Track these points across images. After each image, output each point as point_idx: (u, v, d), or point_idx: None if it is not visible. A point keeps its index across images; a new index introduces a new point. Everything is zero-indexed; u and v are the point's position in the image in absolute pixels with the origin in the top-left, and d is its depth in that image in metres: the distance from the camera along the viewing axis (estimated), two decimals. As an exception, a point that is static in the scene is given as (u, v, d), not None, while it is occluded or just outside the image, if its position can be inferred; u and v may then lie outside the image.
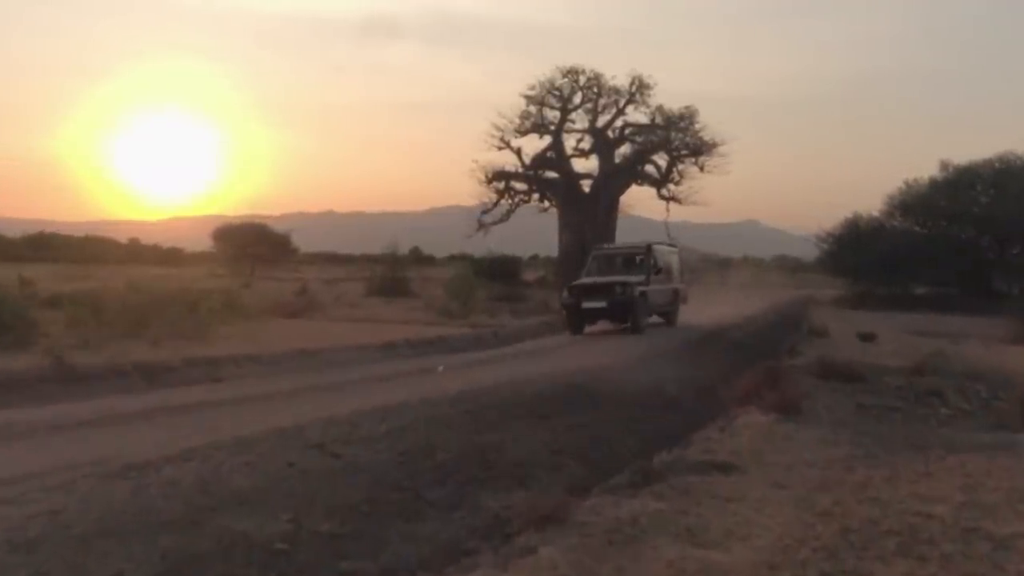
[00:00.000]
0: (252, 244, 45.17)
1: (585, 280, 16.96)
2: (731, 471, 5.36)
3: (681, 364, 11.54)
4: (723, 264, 65.70)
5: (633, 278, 16.11)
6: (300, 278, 44.65)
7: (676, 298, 18.52)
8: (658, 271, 17.15)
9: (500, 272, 36.94)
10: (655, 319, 17.35)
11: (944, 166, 26.31)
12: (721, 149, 35.51)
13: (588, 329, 16.12)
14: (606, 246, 20.64)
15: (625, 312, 15.63)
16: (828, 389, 9.55)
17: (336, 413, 6.41)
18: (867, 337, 14.64)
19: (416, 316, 19.44)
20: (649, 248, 17.80)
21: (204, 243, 55.58)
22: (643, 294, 16.04)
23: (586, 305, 15.71)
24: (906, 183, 25.84)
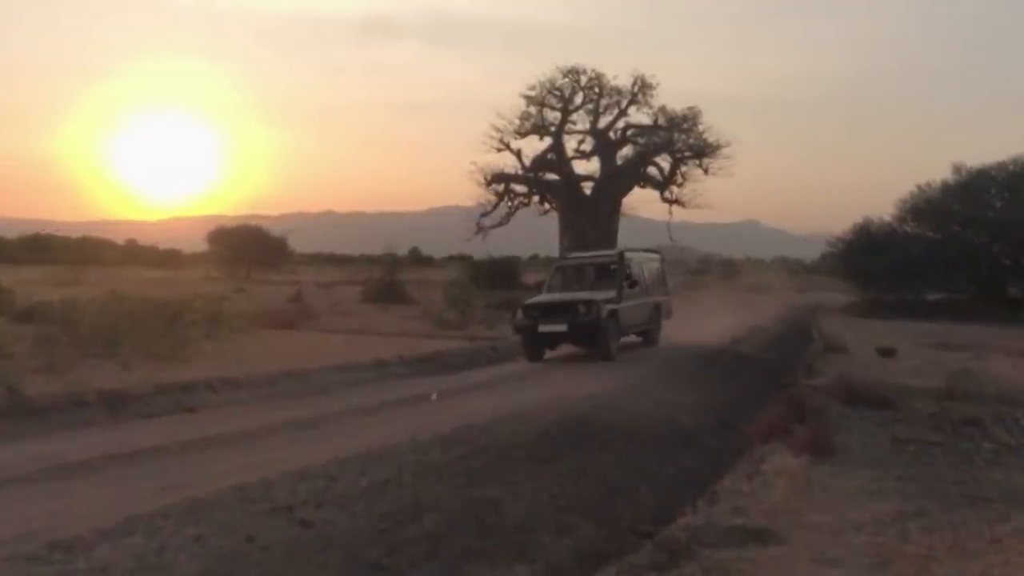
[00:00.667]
0: (248, 247, 44.47)
1: (543, 298, 14.69)
2: (769, 540, 4.59)
3: (691, 387, 10.75)
4: (726, 266, 64.75)
5: (601, 294, 13.80)
6: (296, 281, 43.91)
7: (657, 314, 16.11)
8: (633, 284, 14.77)
9: (499, 275, 36.13)
10: (632, 338, 15.37)
11: (957, 169, 25.54)
12: (725, 151, 34.86)
13: (549, 354, 13.96)
14: (572, 255, 17.84)
15: (591, 336, 13.37)
16: (856, 418, 8.77)
17: (312, 461, 5.62)
18: (886, 352, 13.85)
19: (412, 326, 18.68)
20: (622, 257, 15.34)
21: (203, 244, 54.94)
22: (613, 314, 13.72)
23: (544, 328, 13.34)
24: (918, 187, 25.09)
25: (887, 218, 26.10)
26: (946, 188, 25.30)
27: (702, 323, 18.37)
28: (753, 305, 27.17)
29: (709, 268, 74.65)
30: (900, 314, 23.13)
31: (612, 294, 13.98)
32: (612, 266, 15.16)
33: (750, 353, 14.77)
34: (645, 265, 16.12)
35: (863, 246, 24.93)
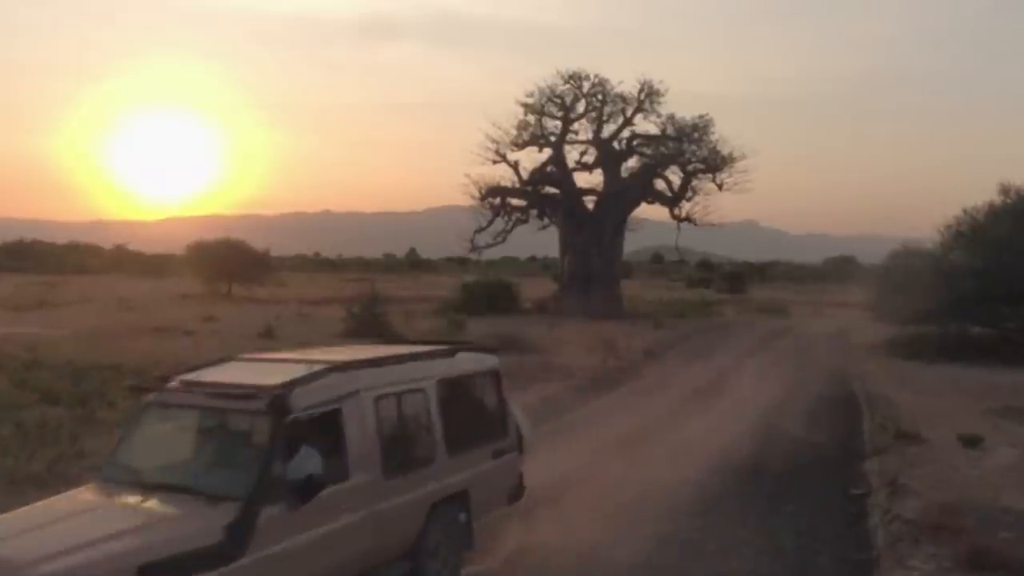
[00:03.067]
0: (228, 261, 41.96)
1: None
2: None
3: (743, 526, 8.04)
4: (731, 280, 61.16)
5: (169, 526, 4.63)
6: (279, 298, 41.38)
7: (452, 523, 6.46)
8: (338, 478, 5.38)
9: (495, 296, 33.50)
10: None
11: (1004, 190, 22.89)
12: (740, 164, 32.23)
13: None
14: (180, 382, 5.86)
15: None
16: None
17: None
18: (972, 441, 11.17)
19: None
20: (281, 405, 5.18)
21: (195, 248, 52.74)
22: None
23: None
24: (964, 211, 22.43)
25: (929, 245, 23.57)
26: (993, 212, 22.64)
27: (717, 394, 15.30)
28: (770, 344, 24.32)
29: (711, 278, 71.52)
30: (946, 354, 20.52)
31: (205, 519, 4.68)
32: (255, 424, 5.50)
33: (795, 436, 12.02)
34: (422, 396, 6.43)
35: (904, 275, 22.20)
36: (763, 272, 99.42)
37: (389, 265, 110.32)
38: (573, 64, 37.16)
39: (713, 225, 32.64)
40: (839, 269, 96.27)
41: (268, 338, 22.66)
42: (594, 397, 14.54)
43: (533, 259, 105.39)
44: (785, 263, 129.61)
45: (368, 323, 24.81)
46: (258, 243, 46.09)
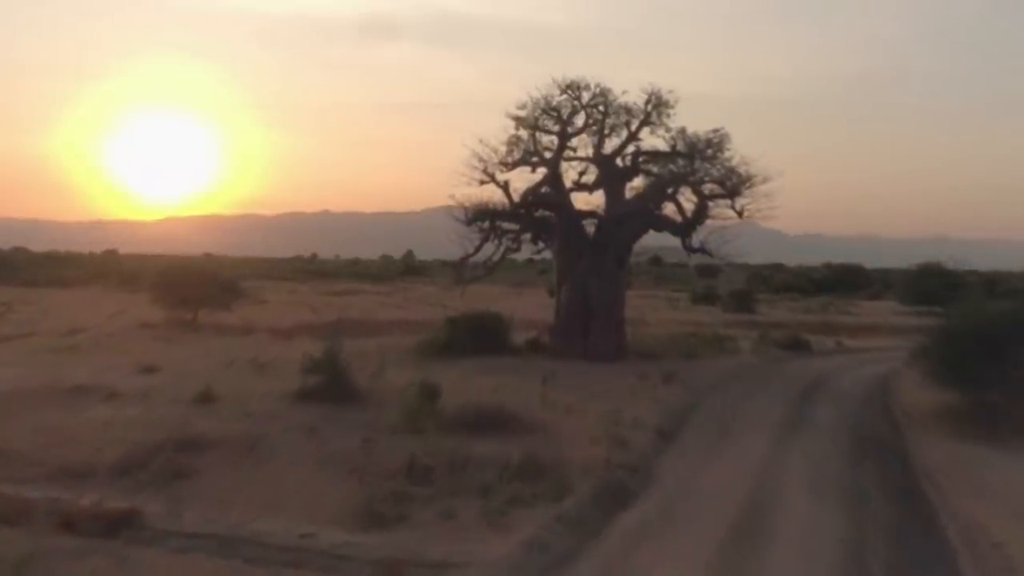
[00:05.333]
0: (192, 288, 38.72)
1: None
2: None
3: None
4: (738, 300, 56.77)
5: None
6: (248, 324, 38.24)
7: None
8: None
9: (485, 329, 29.82)
10: None
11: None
12: (763, 187, 28.49)
13: None
14: None
15: None
16: None
17: None
18: None
19: (328, 500, 12.26)
20: None
21: (199, 244, 49.46)
22: None
23: None
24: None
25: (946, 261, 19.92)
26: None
27: (762, 533, 11.62)
28: (806, 412, 20.24)
29: (716, 292, 67.27)
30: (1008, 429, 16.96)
31: None
32: None
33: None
34: None
35: (962, 339, 18.48)
36: (767, 280, 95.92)
37: (384, 270, 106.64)
38: (572, 64, 33.90)
39: (731, 258, 29.00)
40: (846, 280, 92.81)
41: (206, 403, 18.96)
42: (591, 539, 10.84)
43: (531, 262, 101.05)
44: (787, 269, 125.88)
45: (329, 377, 20.96)
46: (257, 243, 43.66)
